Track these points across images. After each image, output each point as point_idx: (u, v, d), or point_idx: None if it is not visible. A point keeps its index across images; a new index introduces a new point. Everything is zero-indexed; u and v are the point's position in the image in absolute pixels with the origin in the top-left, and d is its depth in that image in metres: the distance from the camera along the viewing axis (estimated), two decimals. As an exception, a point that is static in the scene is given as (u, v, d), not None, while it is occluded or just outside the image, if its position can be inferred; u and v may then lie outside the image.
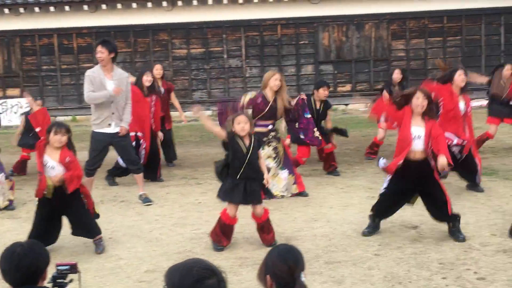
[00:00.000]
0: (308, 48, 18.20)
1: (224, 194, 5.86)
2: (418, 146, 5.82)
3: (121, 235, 6.41)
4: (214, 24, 17.98)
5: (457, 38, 18.17)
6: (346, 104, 17.93)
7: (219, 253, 5.68)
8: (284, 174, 7.81)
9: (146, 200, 7.75)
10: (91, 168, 7.56)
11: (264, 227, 5.91)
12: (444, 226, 6.14)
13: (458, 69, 7.67)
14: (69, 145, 5.75)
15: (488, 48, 17.95)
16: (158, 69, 9.98)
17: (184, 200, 7.90)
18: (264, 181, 5.85)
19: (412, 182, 5.88)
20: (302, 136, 8.17)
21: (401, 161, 5.81)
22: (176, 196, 8.17)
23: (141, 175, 7.90)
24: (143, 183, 7.97)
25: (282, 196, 7.72)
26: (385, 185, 6.09)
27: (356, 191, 7.96)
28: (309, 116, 8.15)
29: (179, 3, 17.43)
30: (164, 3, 17.49)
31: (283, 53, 18.24)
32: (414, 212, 6.68)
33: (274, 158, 7.78)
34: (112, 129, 7.46)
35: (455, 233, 5.86)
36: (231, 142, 5.78)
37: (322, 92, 9.00)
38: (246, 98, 7.76)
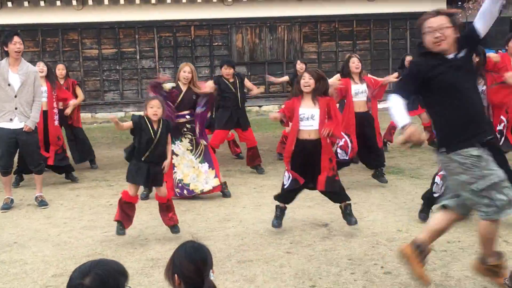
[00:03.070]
0: (221, 50, 18.23)
1: (128, 175, 5.92)
2: (310, 126, 5.87)
3: (27, 239, 6.18)
4: (126, 24, 17.69)
5: (366, 41, 18.74)
6: (260, 106, 18.10)
7: (130, 255, 5.58)
8: (204, 167, 7.75)
9: (42, 203, 7.53)
10: (4, 168, 7.37)
11: (170, 207, 6.01)
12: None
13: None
14: None
15: (395, 51, 18.60)
16: (60, 69, 9.92)
17: (95, 202, 7.71)
18: (163, 166, 5.89)
19: (306, 162, 5.95)
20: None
21: (292, 144, 5.93)
22: (86, 198, 7.96)
23: (41, 176, 7.70)
24: (42, 185, 7.77)
25: (202, 191, 7.68)
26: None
27: (269, 191, 8.03)
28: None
29: (90, 2, 17.04)
30: (74, 2, 17.03)
31: (196, 55, 18.19)
32: (325, 210, 6.84)
33: (192, 150, 7.73)
34: (15, 125, 7.25)
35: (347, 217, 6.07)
36: (139, 125, 5.78)
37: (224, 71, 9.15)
38: (166, 86, 7.63)
